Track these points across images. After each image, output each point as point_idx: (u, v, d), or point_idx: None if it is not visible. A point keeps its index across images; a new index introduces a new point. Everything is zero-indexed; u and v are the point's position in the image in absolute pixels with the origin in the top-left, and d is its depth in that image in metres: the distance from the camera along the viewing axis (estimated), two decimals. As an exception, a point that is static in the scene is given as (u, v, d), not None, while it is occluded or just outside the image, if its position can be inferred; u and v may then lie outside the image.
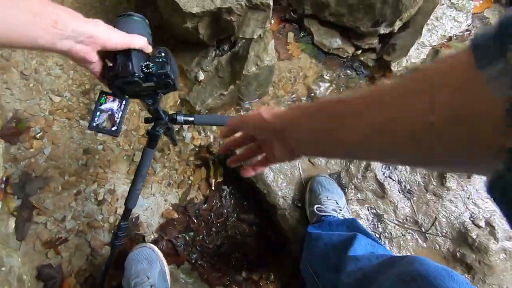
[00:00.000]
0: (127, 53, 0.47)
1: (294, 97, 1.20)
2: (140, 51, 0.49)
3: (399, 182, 0.98)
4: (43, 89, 1.07)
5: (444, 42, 1.24)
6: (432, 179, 0.99)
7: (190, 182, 1.03)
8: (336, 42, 1.26)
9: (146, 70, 0.51)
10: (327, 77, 1.26)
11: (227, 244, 0.97)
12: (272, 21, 1.26)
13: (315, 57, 1.28)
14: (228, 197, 1.01)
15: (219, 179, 1.03)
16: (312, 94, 1.21)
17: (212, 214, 0.98)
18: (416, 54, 1.18)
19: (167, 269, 0.87)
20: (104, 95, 0.57)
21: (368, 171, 0.97)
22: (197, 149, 1.07)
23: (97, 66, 0.47)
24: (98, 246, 0.92)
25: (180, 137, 1.08)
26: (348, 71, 1.28)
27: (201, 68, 1.12)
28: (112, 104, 0.57)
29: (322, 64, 1.27)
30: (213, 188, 1.01)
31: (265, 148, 0.43)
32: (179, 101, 1.13)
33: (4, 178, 0.95)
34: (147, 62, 0.50)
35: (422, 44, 1.18)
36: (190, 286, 0.88)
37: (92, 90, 1.10)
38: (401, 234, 0.94)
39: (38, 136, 1.01)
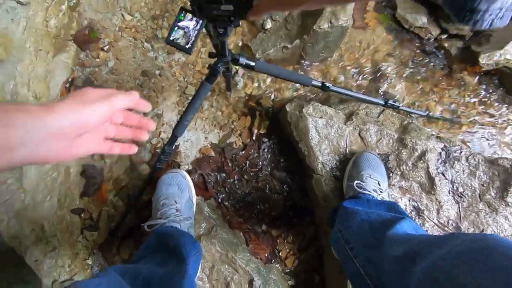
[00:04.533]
0: None
1: (358, 70, 1.12)
2: None
3: (452, 182, 0.90)
4: (118, 5, 1.10)
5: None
6: (491, 188, 0.88)
7: (233, 127, 1.03)
8: (420, 19, 1.13)
9: None
10: (399, 58, 1.15)
11: (254, 195, 0.97)
12: (357, -17, 1.15)
13: (391, 32, 1.17)
14: (266, 150, 1.00)
15: (262, 131, 1.01)
16: (379, 72, 1.12)
17: (247, 162, 0.98)
18: (514, 51, 1.02)
19: (194, 199, 0.90)
20: (183, 12, 0.57)
21: (421, 161, 0.89)
22: (247, 97, 1.06)
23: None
24: (138, 162, 0.97)
25: (233, 82, 1.07)
26: (425, 56, 1.15)
27: (270, 16, 1.07)
28: (189, 23, 0.57)
29: (397, 42, 1.16)
30: (254, 138, 1.01)
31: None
32: (240, 44, 1.11)
33: (70, 79, 1.02)
34: None
35: (525, 41, 1.02)
36: (212, 221, 0.91)
37: (161, 17, 1.11)
38: (438, 235, 0.87)
39: (105, 48, 1.06)
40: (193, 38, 0.58)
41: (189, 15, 0.57)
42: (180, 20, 0.57)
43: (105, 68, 1.05)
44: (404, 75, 1.12)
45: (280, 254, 0.93)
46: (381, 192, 0.81)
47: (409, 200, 0.89)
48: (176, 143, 1.00)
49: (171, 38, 0.57)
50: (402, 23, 1.15)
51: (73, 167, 0.95)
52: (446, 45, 1.13)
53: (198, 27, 0.57)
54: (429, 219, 0.88)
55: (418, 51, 1.15)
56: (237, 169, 0.98)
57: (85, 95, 0.36)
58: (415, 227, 0.62)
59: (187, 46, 0.58)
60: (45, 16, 0.99)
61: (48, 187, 0.90)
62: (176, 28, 0.57)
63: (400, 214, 0.68)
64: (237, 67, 1.07)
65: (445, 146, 0.91)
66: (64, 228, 0.91)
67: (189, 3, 0.56)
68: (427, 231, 0.87)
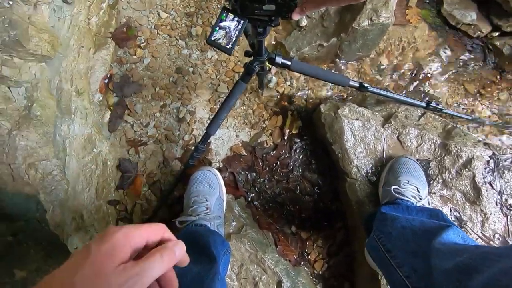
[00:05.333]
0: None
1: (397, 69, 1.06)
2: None
3: (501, 194, 0.83)
4: (154, 3, 1.12)
5: None
6: (546, 202, 0.81)
7: (264, 126, 1.02)
8: (469, 16, 1.05)
9: None
10: (443, 57, 1.08)
11: (284, 195, 0.96)
12: (400, -24, 1.09)
13: (436, 29, 1.10)
14: (298, 151, 0.98)
15: (294, 131, 0.99)
16: (420, 72, 1.06)
17: (278, 162, 0.97)
18: None
19: (225, 197, 0.90)
20: (225, 12, 0.56)
21: (466, 169, 0.83)
22: (279, 96, 1.04)
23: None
24: (170, 158, 0.99)
25: (265, 80, 1.05)
26: (472, 55, 1.07)
27: (306, 13, 1.04)
28: (230, 23, 0.56)
29: (441, 40, 1.09)
30: (285, 138, 0.99)
31: None
32: (273, 42, 1.09)
33: (108, 75, 1.05)
34: None
35: None
36: (242, 220, 0.91)
37: (196, 14, 1.12)
38: (481, 249, 0.82)
39: (142, 45, 1.09)
40: (233, 39, 0.57)
41: (231, 15, 0.56)
42: (222, 20, 0.56)
43: (141, 65, 1.08)
44: (448, 75, 1.05)
45: (309, 257, 0.91)
46: (420, 199, 0.77)
47: (450, 210, 0.83)
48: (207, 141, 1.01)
49: (213, 38, 0.57)
50: (448, 19, 1.07)
51: (110, 160, 0.98)
52: (497, 43, 1.04)
53: (239, 27, 0.57)
54: (473, 231, 0.82)
55: (465, 49, 1.07)
56: (267, 168, 0.97)
57: (110, 255, 0.27)
58: (463, 236, 0.58)
59: (227, 47, 0.57)
60: (87, 14, 1.03)
61: (87, 178, 0.94)
62: (217, 28, 0.56)
63: (444, 222, 0.64)
64: (270, 65, 1.06)
65: (494, 153, 0.85)
66: (101, 218, 0.95)
67: (227, 2, 0.55)
68: (469, 244, 0.82)
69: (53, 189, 0.79)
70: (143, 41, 1.09)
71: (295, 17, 0.50)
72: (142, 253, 0.30)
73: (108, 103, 1.04)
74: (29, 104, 0.79)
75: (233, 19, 0.56)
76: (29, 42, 0.76)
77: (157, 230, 0.32)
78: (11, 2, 0.75)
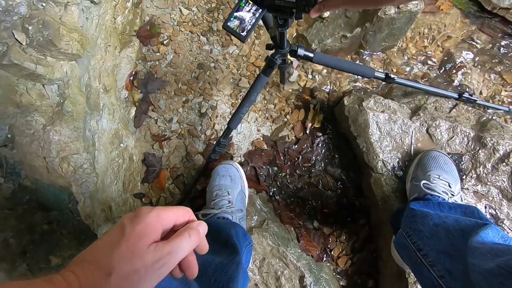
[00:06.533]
0: None
1: (426, 59, 1.01)
2: None
3: (543, 190, 0.77)
4: (176, 0, 1.14)
5: None
6: None
7: (285, 120, 1.01)
8: (508, -1, 0.98)
9: None
10: (476, 44, 1.01)
11: (306, 190, 0.94)
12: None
13: (469, 15, 1.03)
14: (320, 145, 0.96)
15: (316, 125, 0.98)
16: (452, 61, 1.00)
17: (300, 157, 0.96)
18: None
19: (247, 192, 0.91)
20: None
21: (504, 164, 0.77)
22: (300, 90, 1.03)
23: None
24: (193, 152, 1.01)
25: (287, 74, 1.04)
26: (510, 43, 1.00)
27: (328, 4, 1.02)
28: (246, 14, 0.56)
29: (476, 27, 1.02)
30: (307, 132, 0.97)
31: None
32: (295, 34, 1.07)
33: (133, 72, 1.09)
34: None
35: None
36: (264, 214, 0.91)
37: (217, 10, 1.12)
38: (520, 250, 0.76)
39: (165, 42, 1.11)
40: (249, 27, 0.57)
41: (249, 5, 0.55)
42: (239, 8, 0.56)
43: (164, 61, 1.10)
44: (483, 64, 0.99)
45: (332, 253, 0.89)
46: (452, 195, 0.73)
47: (485, 207, 0.79)
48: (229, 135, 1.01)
49: (228, 24, 0.57)
50: (483, 4, 1.00)
51: (136, 155, 1.02)
52: (539, 28, 0.96)
53: (253, 20, 0.56)
54: (510, 230, 0.77)
55: (502, 36, 1.00)
56: (289, 163, 0.96)
57: (144, 235, 0.29)
58: (503, 236, 0.54)
59: (242, 34, 0.57)
60: (113, 14, 1.06)
61: (115, 172, 0.98)
62: (234, 15, 0.56)
63: (481, 220, 0.60)
64: (292, 58, 1.04)
65: (535, 147, 0.79)
66: (128, 210, 0.99)
67: None
68: (506, 243, 0.76)
69: (83, 181, 0.83)
70: (166, 38, 1.11)
71: (313, 14, 0.48)
72: (168, 234, 0.32)
73: (134, 99, 1.07)
74: (61, 101, 0.83)
75: (249, 11, 0.56)
76: (60, 41, 0.80)
77: (185, 213, 0.34)
78: (44, 4, 0.79)
